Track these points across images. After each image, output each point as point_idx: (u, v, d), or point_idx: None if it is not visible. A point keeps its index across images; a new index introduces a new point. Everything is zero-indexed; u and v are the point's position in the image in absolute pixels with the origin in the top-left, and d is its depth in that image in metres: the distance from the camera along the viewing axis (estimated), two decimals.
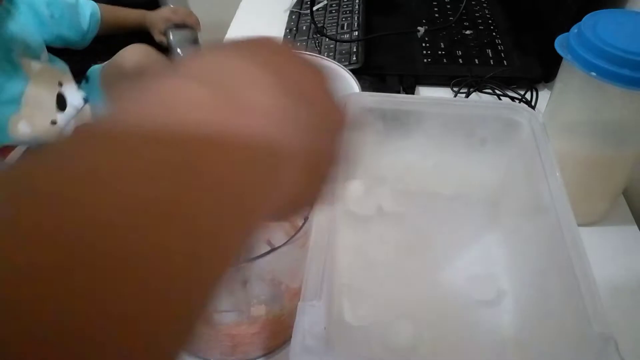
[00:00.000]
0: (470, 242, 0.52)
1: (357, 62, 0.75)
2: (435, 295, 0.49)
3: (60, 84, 0.94)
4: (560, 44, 0.49)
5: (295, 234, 0.37)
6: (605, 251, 0.54)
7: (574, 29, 0.49)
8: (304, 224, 0.37)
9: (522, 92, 0.72)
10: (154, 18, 1.10)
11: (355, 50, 0.76)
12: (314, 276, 0.35)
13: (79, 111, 0.96)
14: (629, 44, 0.44)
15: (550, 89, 0.75)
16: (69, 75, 0.98)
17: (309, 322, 0.33)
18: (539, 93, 0.71)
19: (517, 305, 0.47)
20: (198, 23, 1.07)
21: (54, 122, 0.90)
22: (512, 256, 0.49)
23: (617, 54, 0.44)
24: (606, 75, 0.45)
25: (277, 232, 0.44)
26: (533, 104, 0.68)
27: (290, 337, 0.44)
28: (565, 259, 0.37)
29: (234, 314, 0.38)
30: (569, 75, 0.51)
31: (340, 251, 0.50)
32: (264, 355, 0.44)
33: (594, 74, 0.45)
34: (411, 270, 0.50)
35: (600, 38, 0.46)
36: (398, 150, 0.54)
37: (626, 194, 0.59)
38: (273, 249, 0.35)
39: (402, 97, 0.52)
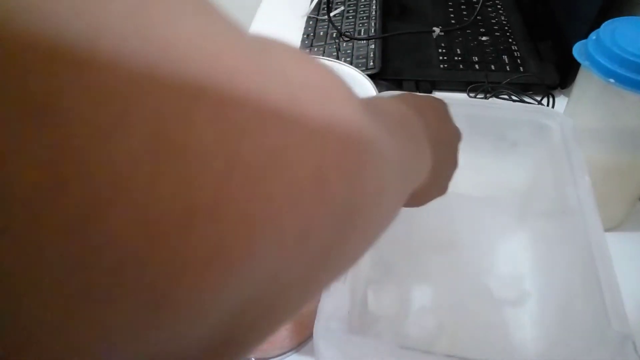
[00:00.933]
0: (497, 242, 0.53)
1: (374, 67, 0.76)
2: (460, 291, 0.49)
3: None
4: (578, 50, 0.50)
5: None
6: (622, 257, 0.54)
7: (592, 36, 0.49)
8: None
9: (538, 98, 0.72)
10: None
11: (372, 55, 0.77)
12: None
13: None
14: None
15: (567, 95, 0.75)
16: None
17: (333, 305, 0.34)
18: (556, 99, 0.72)
19: (540, 307, 0.47)
20: None
21: None
22: (537, 258, 0.50)
23: (636, 61, 0.44)
24: (624, 82, 0.45)
25: None
26: (551, 107, 0.68)
27: (308, 337, 0.45)
28: (589, 261, 0.37)
29: None
30: (586, 82, 0.51)
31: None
32: (283, 353, 0.44)
33: (612, 80, 0.46)
34: (437, 266, 0.51)
35: (618, 45, 0.46)
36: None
37: None
38: None
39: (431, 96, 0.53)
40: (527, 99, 0.73)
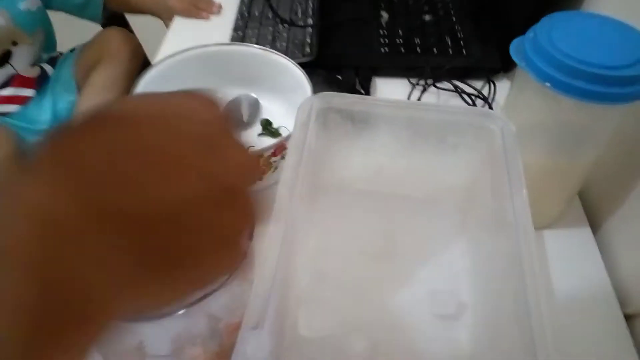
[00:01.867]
0: (435, 250, 0.52)
1: (310, 53, 0.71)
2: (394, 306, 0.48)
3: (15, 43, 0.89)
4: (515, 48, 0.47)
5: (232, 274, 0.34)
6: (558, 252, 0.54)
7: (530, 33, 0.47)
8: (242, 259, 0.35)
9: (480, 84, 0.70)
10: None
11: (309, 40, 0.73)
12: (257, 304, 0.34)
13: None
14: (585, 53, 0.42)
15: (510, 78, 0.73)
16: (29, 39, 0.92)
17: (251, 349, 0.32)
18: (497, 84, 0.70)
19: (475, 320, 0.46)
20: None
21: None
22: (474, 269, 0.49)
23: (572, 65, 0.42)
24: (560, 86, 0.43)
25: None
26: (490, 99, 0.66)
27: None
28: (520, 283, 0.36)
29: (169, 357, 0.36)
30: (524, 79, 0.49)
31: (298, 259, 0.49)
32: None
33: (548, 84, 0.43)
34: (371, 279, 0.49)
35: (555, 46, 0.43)
36: (367, 152, 0.52)
37: (581, 195, 0.59)
38: (209, 292, 0.33)
39: (373, 99, 0.50)
40: (467, 89, 0.71)
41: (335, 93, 0.49)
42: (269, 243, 0.37)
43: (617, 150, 0.51)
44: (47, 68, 1.00)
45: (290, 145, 0.45)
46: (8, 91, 0.92)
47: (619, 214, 0.54)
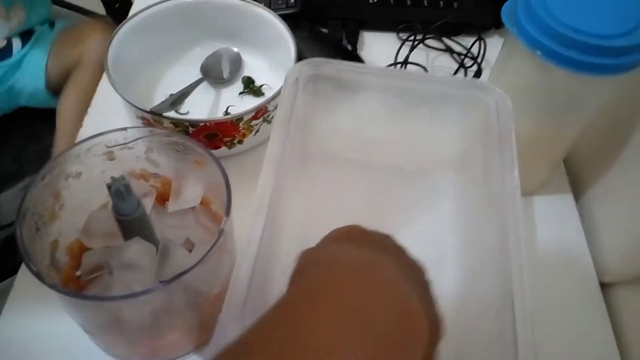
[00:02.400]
0: (422, 221, 0.51)
1: (295, 5, 0.68)
2: None
3: None
4: (507, 12, 0.45)
5: (211, 248, 0.34)
6: (539, 220, 0.54)
7: None
8: (219, 237, 0.34)
9: (471, 40, 0.67)
10: None
11: None
12: (238, 290, 0.33)
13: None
14: (579, 22, 0.40)
15: (502, 35, 0.71)
16: (3, 12, 0.86)
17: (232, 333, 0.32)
18: (488, 41, 0.67)
19: (458, 269, 0.47)
20: None
21: None
22: (462, 239, 0.48)
23: (566, 34, 0.40)
24: (552, 56, 0.41)
25: (197, 230, 0.41)
26: (480, 58, 0.64)
27: (208, 339, 0.43)
28: (506, 262, 0.36)
29: (147, 331, 0.36)
30: (515, 44, 0.47)
31: (285, 228, 0.49)
32: (188, 353, 0.42)
33: (539, 53, 0.42)
34: None
35: (549, 12, 0.42)
36: (357, 121, 0.51)
37: (566, 163, 0.58)
38: (191, 268, 0.32)
39: (365, 67, 0.48)
40: (456, 47, 0.68)
41: (324, 60, 0.47)
42: (253, 217, 0.36)
43: (604, 120, 0.50)
44: (16, 43, 0.90)
45: (277, 114, 0.43)
46: None
47: (601, 184, 0.54)
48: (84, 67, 0.90)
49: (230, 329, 0.32)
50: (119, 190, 0.33)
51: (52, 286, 0.31)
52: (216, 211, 0.43)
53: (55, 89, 0.92)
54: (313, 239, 0.48)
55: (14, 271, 0.46)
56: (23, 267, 0.47)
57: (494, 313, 0.36)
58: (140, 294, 0.32)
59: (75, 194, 0.40)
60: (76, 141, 0.40)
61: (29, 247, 0.33)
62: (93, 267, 0.39)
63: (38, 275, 0.31)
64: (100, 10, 1.07)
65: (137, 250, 0.36)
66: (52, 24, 0.94)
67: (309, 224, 0.51)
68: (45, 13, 0.94)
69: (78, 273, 0.40)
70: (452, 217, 0.51)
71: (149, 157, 0.42)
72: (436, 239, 0.50)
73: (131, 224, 0.35)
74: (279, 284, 0.44)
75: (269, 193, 0.38)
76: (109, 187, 0.33)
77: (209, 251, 0.33)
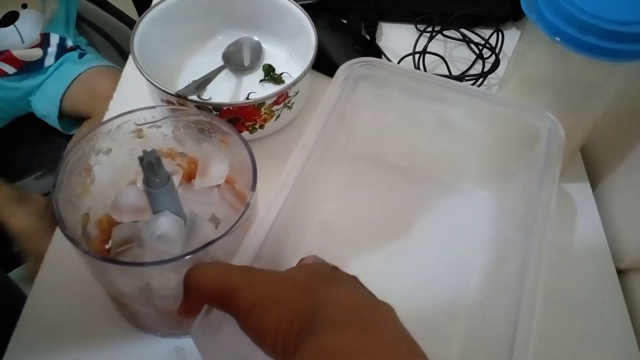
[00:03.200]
0: (453, 233, 0.51)
1: None
2: (398, 262, 0.49)
3: (24, 6, 0.84)
4: (526, 1, 0.46)
5: (237, 221, 0.35)
6: (557, 208, 0.55)
7: None
8: (245, 209, 0.36)
9: (489, 32, 0.68)
10: None
11: None
12: (247, 248, 0.34)
13: (25, 41, 0.87)
14: (599, 8, 0.41)
15: (520, 28, 0.72)
16: (40, 4, 0.87)
17: None
18: (506, 34, 0.68)
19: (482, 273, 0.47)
20: None
21: None
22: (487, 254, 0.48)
23: (585, 20, 0.41)
24: (571, 42, 0.42)
25: (222, 206, 0.43)
26: (498, 49, 0.65)
27: None
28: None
29: (176, 298, 0.37)
30: (533, 31, 0.48)
31: (308, 216, 0.50)
32: None
33: (557, 39, 0.43)
34: (378, 243, 0.50)
35: (569, 0, 0.42)
36: (405, 127, 0.52)
37: (583, 151, 0.59)
38: (218, 238, 0.34)
39: (421, 74, 0.48)
40: (475, 38, 0.69)
41: (378, 60, 0.48)
42: (275, 194, 0.38)
43: (622, 108, 0.50)
44: (49, 57, 0.90)
45: (319, 107, 0.44)
46: None
47: (618, 172, 0.54)
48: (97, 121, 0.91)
49: None
50: (150, 163, 0.35)
51: (87, 252, 0.32)
52: (240, 190, 0.44)
53: (68, 122, 0.94)
54: (335, 236, 0.50)
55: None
56: (55, 237, 0.49)
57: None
58: (170, 261, 0.33)
59: (105, 170, 0.42)
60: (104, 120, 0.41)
61: (64, 216, 0.35)
62: (123, 240, 0.40)
63: (73, 240, 0.33)
64: (129, 6, 1.09)
65: (166, 222, 0.37)
66: (81, 56, 0.95)
67: (335, 219, 0.52)
68: (76, 5, 0.96)
69: (108, 246, 0.41)
70: (485, 238, 0.50)
71: (176, 136, 0.43)
72: (464, 257, 0.50)
73: (161, 196, 0.37)
74: (288, 264, 0.46)
75: (294, 177, 0.39)
76: (140, 159, 0.35)
77: (236, 223, 0.35)
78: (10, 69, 0.88)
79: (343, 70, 0.47)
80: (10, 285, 0.76)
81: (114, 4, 1.09)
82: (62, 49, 0.92)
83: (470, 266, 0.49)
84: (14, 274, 0.83)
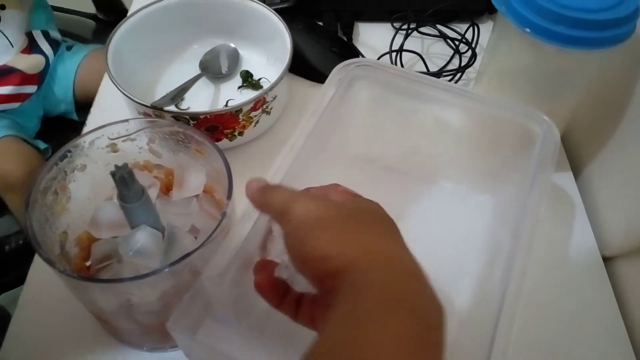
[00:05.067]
0: (451, 233, 0.51)
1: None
2: None
3: (2, 7, 0.83)
4: None
5: (214, 231, 0.35)
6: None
7: None
8: (222, 219, 0.35)
9: (465, 27, 0.68)
10: None
11: None
12: (222, 253, 0.34)
13: (14, 45, 0.86)
14: None
15: (495, 20, 0.72)
16: (17, 2, 0.86)
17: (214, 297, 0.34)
18: (482, 27, 0.68)
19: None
20: None
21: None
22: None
23: (554, 10, 0.41)
24: (541, 32, 0.42)
25: (201, 217, 0.42)
26: (474, 43, 0.65)
27: None
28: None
29: (157, 313, 0.37)
30: (505, 23, 0.48)
31: None
32: None
33: (527, 30, 0.43)
34: None
35: None
36: (401, 129, 0.51)
37: (564, 141, 0.59)
38: (195, 249, 0.34)
39: (417, 75, 0.48)
40: (451, 33, 0.69)
41: (373, 61, 0.48)
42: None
43: (597, 95, 0.51)
44: (49, 55, 0.90)
45: (310, 108, 0.43)
46: (8, 89, 0.84)
47: (600, 159, 0.54)
48: None
49: (208, 288, 0.33)
50: (123, 178, 0.34)
51: (63, 271, 0.32)
52: (219, 199, 0.44)
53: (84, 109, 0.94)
54: None
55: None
56: (34, 262, 0.48)
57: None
58: (148, 275, 0.33)
59: (82, 187, 0.41)
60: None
61: (39, 237, 0.34)
62: (102, 257, 0.40)
63: (49, 261, 0.33)
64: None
65: (143, 236, 0.37)
66: (69, 48, 0.95)
67: None
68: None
69: (88, 263, 0.41)
70: (478, 240, 0.50)
71: (152, 149, 0.43)
72: (457, 259, 0.49)
73: (136, 210, 0.37)
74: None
75: (280, 177, 0.38)
76: (113, 175, 0.34)
77: (212, 233, 0.35)
78: (31, 89, 0.87)
79: (338, 70, 0.47)
80: None
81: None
82: (53, 43, 0.91)
83: (464, 268, 0.48)
84: (2, 299, 0.82)
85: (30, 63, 0.86)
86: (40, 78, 0.88)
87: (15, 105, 0.86)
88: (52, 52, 0.90)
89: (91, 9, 1.12)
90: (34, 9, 0.89)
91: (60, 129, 0.96)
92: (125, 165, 0.35)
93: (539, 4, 0.42)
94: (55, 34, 0.92)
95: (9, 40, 0.84)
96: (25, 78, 0.86)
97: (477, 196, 0.53)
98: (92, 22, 1.08)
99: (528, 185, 0.41)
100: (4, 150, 0.81)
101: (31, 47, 0.87)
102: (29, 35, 0.87)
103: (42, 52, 0.88)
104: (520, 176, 0.44)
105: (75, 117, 0.94)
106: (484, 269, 0.46)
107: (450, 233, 0.51)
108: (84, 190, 0.42)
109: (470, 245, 0.49)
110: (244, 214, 0.36)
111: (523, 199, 0.41)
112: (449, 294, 0.47)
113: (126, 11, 1.12)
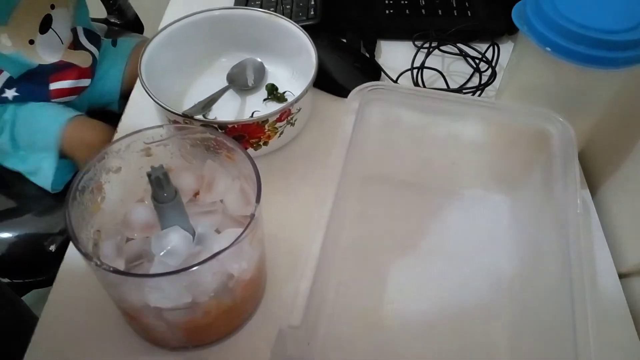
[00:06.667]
0: (484, 249, 0.52)
1: (315, 16, 0.71)
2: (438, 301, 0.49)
3: (52, 7, 0.87)
4: (517, 13, 0.48)
5: (244, 231, 0.36)
6: None
7: None
8: (250, 221, 0.37)
9: (485, 47, 0.70)
10: None
11: (313, 3, 0.73)
12: (299, 303, 0.35)
13: (64, 42, 0.89)
14: (587, 19, 0.43)
15: (514, 41, 0.73)
16: (65, 1, 0.88)
17: (291, 347, 0.34)
18: (502, 47, 0.70)
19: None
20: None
21: (31, 42, 0.85)
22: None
23: (574, 30, 0.43)
24: (561, 51, 0.44)
25: (226, 221, 0.44)
26: (494, 62, 0.67)
27: (243, 323, 0.45)
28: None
29: (184, 311, 0.38)
30: (526, 42, 0.49)
31: (340, 249, 0.50)
32: (220, 338, 0.44)
33: (548, 49, 0.44)
34: (411, 272, 0.50)
35: (557, 10, 0.44)
36: (415, 143, 0.53)
37: (581, 158, 0.60)
38: (222, 250, 0.35)
39: (427, 91, 0.50)
40: (471, 52, 0.71)
41: (386, 84, 0.49)
42: (312, 234, 0.39)
43: (616, 113, 0.52)
44: (94, 51, 0.93)
45: (337, 139, 0.45)
46: (69, 83, 0.88)
47: (616, 177, 0.55)
48: None
49: (290, 340, 0.34)
50: (158, 178, 0.36)
51: (100, 265, 0.34)
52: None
53: None
54: (362, 262, 0.50)
55: None
56: (64, 261, 0.50)
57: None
58: (179, 272, 0.34)
59: (115, 188, 0.43)
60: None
61: (77, 232, 0.36)
62: (134, 256, 0.41)
63: (87, 255, 0.34)
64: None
65: (176, 237, 0.39)
66: (114, 43, 0.99)
67: (358, 244, 0.52)
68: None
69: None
70: (508, 242, 0.51)
71: (183, 154, 0.45)
72: (492, 263, 0.50)
73: (169, 210, 0.38)
74: (331, 304, 0.46)
75: (328, 213, 0.40)
76: (148, 175, 0.36)
77: (241, 234, 0.36)
78: (86, 82, 0.90)
79: (353, 97, 0.48)
80: (22, 308, 0.77)
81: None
82: (94, 38, 0.94)
83: (500, 271, 0.49)
84: (27, 298, 0.84)
85: (81, 58, 0.90)
86: (92, 72, 0.92)
87: (72, 98, 0.90)
88: (95, 48, 0.94)
89: (102, 13, 1.17)
90: (78, 7, 0.93)
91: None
92: (161, 166, 0.36)
93: (559, 24, 0.43)
94: (95, 30, 0.96)
95: (59, 38, 0.87)
96: (81, 72, 0.89)
97: (498, 199, 0.54)
98: (104, 26, 1.12)
99: (557, 182, 0.42)
100: (82, 122, 0.86)
101: (76, 43, 0.91)
102: (74, 32, 0.91)
103: (86, 48, 0.92)
104: (541, 175, 0.46)
105: (116, 108, 0.98)
106: (524, 269, 0.47)
107: (479, 238, 0.52)
108: (117, 192, 0.44)
109: (503, 248, 0.50)
110: (306, 256, 0.37)
111: (558, 195, 0.42)
112: (492, 297, 0.48)
113: (136, 16, 1.17)
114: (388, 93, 0.49)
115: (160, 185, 0.37)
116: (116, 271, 0.34)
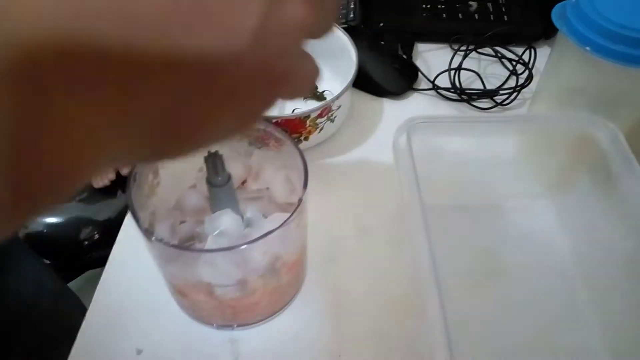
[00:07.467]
0: (534, 254, 0.52)
1: (354, 18, 0.74)
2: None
3: None
4: (557, 14, 0.49)
5: (292, 213, 0.38)
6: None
7: None
8: (298, 205, 0.39)
9: (521, 50, 0.71)
10: None
11: (352, 6, 0.75)
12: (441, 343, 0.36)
13: None
14: (626, 18, 0.44)
15: (551, 46, 0.74)
16: None
17: None
18: (538, 51, 0.71)
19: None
20: None
21: None
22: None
23: (613, 29, 0.44)
24: (601, 50, 0.45)
25: (271, 208, 0.46)
26: (531, 65, 0.68)
27: (285, 305, 0.47)
28: None
29: (234, 288, 0.40)
30: (565, 44, 0.51)
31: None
32: (263, 319, 0.47)
33: (588, 48, 0.45)
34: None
35: (597, 11, 0.45)
36: (462, 163, 0.53)
37: None
38: (272, 231, 0.37)
39: (467, 117, 0.53)
40: (508, 54, 0.72)
41: (428, 117, 0.49)
42: (424, 280, 0.40)
43: None
44: None
45: (402, 182, 0.46)
46: None
47: None
48: None
49: None
50: (214, 162, 0.39)
51: (160, 240, 0.36)
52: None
53: None
54: (450, 289, 0.49)
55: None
56: (118, 239, 0.53)
57: None
58: (231, 248, 0.36)
59: (169, 174, 0.46)
60: None
61: (138, 209, 0.39)
62: (186, 237, 0.44)
63: (147, 232, 0.37)
64: None
65: (228, 219, 0.41)
66: None
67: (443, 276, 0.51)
68: None
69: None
70: (577, 246, 0.51)
71: (232, 144, 0.47)
72: (556, 275, 0.50)
73: (222, 194, 0.41)
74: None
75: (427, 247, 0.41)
76: (205, 159, 0.39)
77: (290, 217, 0.38)
78: None
79: (399, 135, 0.48)
80: (69, 296, 0.80)
81: None
82: None
83: (570, 280, 0.50)
84: (74, 284, 0.88)
85: None
86: None
87: None
88: None
89: None
90: None
91: None
92: (217, 151, 0.39)
93: (598, 23, 0.44)
94: None
95: None
96: None
97: (555, 208, 0.55)
98: None
99: (624, 183, 0.44)
100: None
101: None
102: None
103: None
104: (593, 177, 0.47)
105: None
106: (600, 270, 0.48)
107: (547, 247, 0.52)
108: (170, 178, 0.46)
109: (576, 253, 0.51)
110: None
111: (629, 196, 0.43)
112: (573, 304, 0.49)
113: None
114: (430, 124, 0.49)
115: (216, 169, 0.39)
116: (175, 246, 0.36)
